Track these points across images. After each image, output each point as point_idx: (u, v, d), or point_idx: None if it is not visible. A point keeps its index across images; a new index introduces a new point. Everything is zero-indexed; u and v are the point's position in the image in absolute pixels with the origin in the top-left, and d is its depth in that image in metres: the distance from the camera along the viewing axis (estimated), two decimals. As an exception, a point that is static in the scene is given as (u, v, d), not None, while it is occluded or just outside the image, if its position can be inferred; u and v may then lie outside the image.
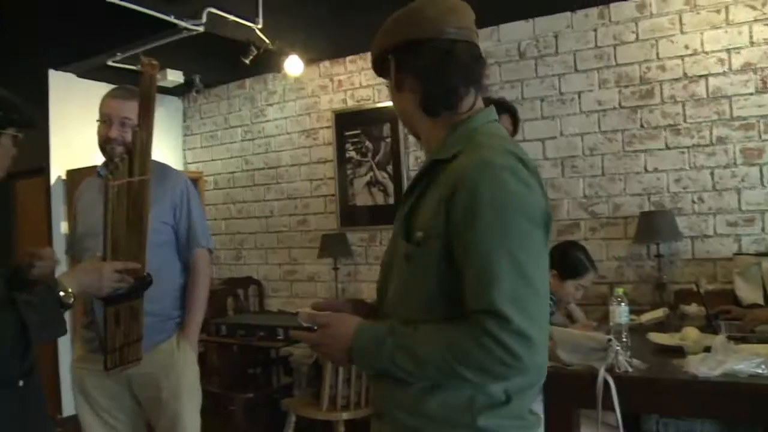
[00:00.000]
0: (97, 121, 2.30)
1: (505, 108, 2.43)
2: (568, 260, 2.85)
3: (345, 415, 3.25)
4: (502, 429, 1.09)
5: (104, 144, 2.28)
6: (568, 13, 3.78)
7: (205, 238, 2.42)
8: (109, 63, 4.41)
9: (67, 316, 1.64)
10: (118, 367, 1.96)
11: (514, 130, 2.53)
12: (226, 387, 3.99)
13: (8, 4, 3.91)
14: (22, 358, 1.47)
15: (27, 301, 1.48)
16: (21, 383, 1.52)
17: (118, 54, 4.25)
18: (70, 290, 1.59)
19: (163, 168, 2.44)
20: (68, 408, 4.33)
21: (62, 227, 4.63)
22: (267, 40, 4.02)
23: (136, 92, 2.24)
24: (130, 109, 2.21)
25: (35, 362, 1.56)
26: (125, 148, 2.14)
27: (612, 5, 3.66)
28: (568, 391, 2.30)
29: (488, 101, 1.27)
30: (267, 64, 4.49)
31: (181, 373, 2.28)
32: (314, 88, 4.85)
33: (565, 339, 2.39)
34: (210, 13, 3.65)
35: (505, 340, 0.97)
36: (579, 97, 3.76)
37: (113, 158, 2.23)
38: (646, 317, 2.82)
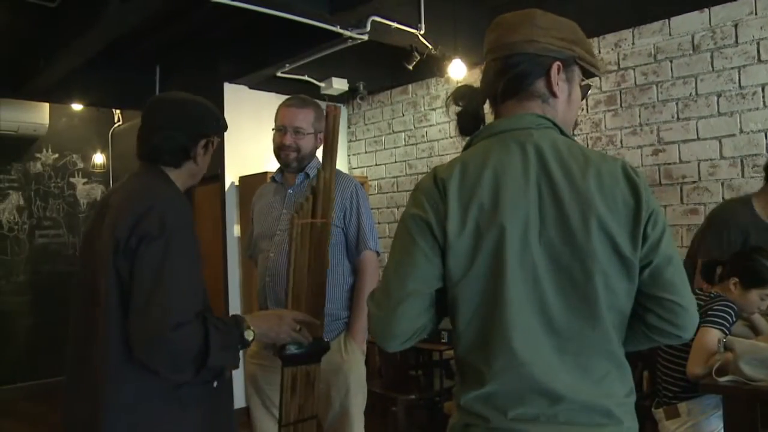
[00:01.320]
0: (273, 129, 2.77)
1: None
2: (752, 268, 2.92)
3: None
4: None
5: (279, 151, 2.74)
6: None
7: (374, 241, 2.73)
8: (278, 74, 5.19)
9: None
10: None
11: None
12: (388, 388, 4.51)
13: (190, 27, 4.81)
14: (195, 372, 1.68)
15: (216, 325, 1.71)
16: (215, 384, 1.81)
17: (287, 65, 5.00)
18: (252, 329, 1.84)
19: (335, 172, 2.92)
20: (239, 401, 5.11)
21: (235, 230, 5.51)
22: (429, 45, 4.54)
23: (309, 101, 2.82)
24: (303, 118, 2.71)
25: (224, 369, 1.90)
26: (298, 154, 2.71)
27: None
28: (750, 408, 2.47)
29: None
30: (429, 69, 5.03)
31: (348, 371, 2.61)
32: (477, 91, 5.30)
33: (748, 352, 2.55)
34: (374, 22, 4.24)
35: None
36: (763, 91, 3.90)
37: (288, 164, 2.73)
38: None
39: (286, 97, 2.85)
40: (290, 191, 2.77)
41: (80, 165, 7.24)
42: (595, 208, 1.34)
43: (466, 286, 1.35)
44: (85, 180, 7.27)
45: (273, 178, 2.89)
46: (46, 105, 6.53)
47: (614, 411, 1.37)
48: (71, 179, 7.14)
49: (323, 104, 5.94)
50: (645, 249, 1.38)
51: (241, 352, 1.86)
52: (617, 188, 1.38)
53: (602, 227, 1.34)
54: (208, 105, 2.05)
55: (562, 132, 1.46)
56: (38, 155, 6.96)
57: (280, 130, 2.73)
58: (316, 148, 2.77)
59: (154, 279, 1.66)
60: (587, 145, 4.64)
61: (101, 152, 7.35)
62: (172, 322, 1.62)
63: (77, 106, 6.69)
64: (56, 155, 7.07)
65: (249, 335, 1.82)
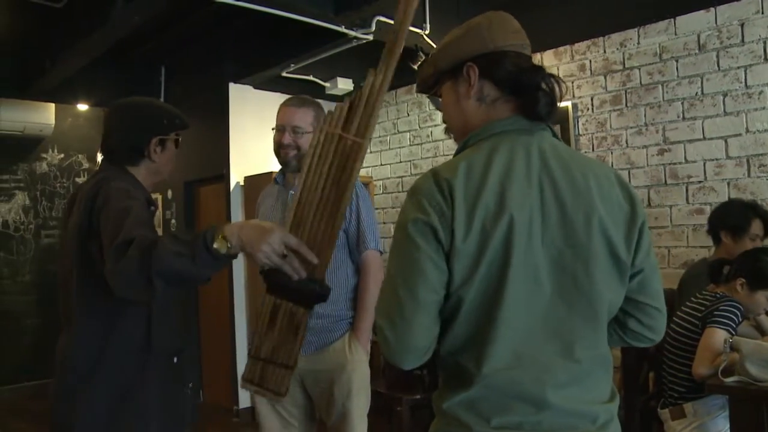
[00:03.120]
0: (273, 129, 2.78)
1: None
2: (759, 269, 2.94)
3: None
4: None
5: (278, 149, 2.74)
6: (758, -2, 3.94)
7: (374, 240, 2.72)
8: (283, 74, 5.20)
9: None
10: (254, 386, 1.97)
11: None
12: (393, 388, 4.51)
13: (195, 27, 4.82)
14: (148, 282, 1.62)
15: (174, 236, 1.71)
16: (175, 360, 2.00)
17: (292, 65, 5.01)
18: (227, 238, 1.64)
19: None
20: (244, 401, 5.13)
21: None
22: (434, 45, 4.54)
23: (308, 100, 2.80)
24: (302, 117, 2.70)
25: (187, 343, 2.02)
26: (297, 153, 2.69)
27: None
28: (756, 409, 2.49)
29: None
30: (434, 68, 5.01)
31: (352, 372, 2.61)
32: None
33: (754, 352, 2.57)
34: (379, 22, 4.25)
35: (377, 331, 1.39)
36: (769, 90, 3.89)
37: (287, 163, 2.73)
38: None
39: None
40: (292, 192, 2.73)
41: (86, 165, 7.25)
42: (597, 209, 1.35)
43: (470, 288, 1.31)
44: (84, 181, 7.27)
45: (275, 180, 2.90)
46: (52, 105, 6.55)
47: (600, 417, 1.38)
48: (77, 179, 7.15)
49: (327, 104, 5.94)
50: (639, 256, 1.41)
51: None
52: (613, 192, 1.40)
53: (602, 229, 1.35)
54: (158, 105, 2.25)
55: (554, 134, 1.46)
56: (44, 155, 6.98)
57: (279, 129, 2.74)
58: None
59: (111, 227, 1.76)
60: (592, 145, 4.63)
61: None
62: (127, 237, 1.68)
63: (83, 107, 6.71)
64: (62, 155, 7.09)
65: (220, 246, 1.63)
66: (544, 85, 1.41)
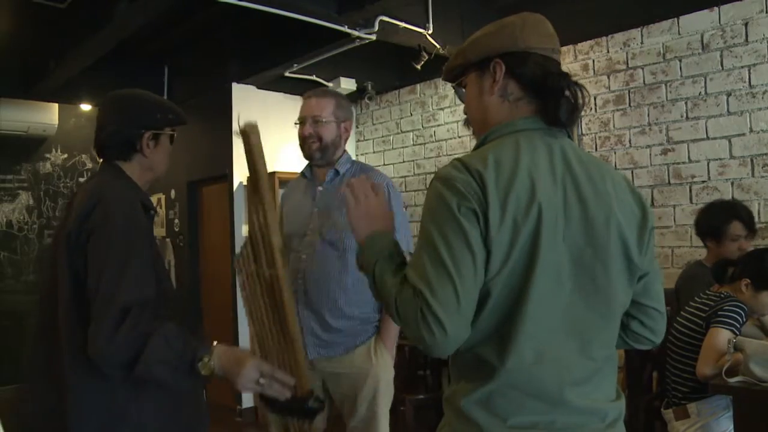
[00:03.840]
0: (295, 123, 2.75)
1: None
2: (764, 269, 2.92)
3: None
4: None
5: (302, 143, 2.71)
6: (762, -3, 3.93)
7: (406, 242, 2.61)
8: (286, 74, 5.20)
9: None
10: None
11: None
12: (397, 388, 4.52)
13: (198, 27, 4.83)
14: (124, 371, 1.67)
15: (167, 336, 1.68)
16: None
17: (295, 65, 5.01)
18: (212, 364, 1.69)
19: (366, 168, 2.82)
20: (247, 401, 5.13)
21: (243, 230, 5.52)
22: (437, 45, 4.54)
23: (329, 92, 2.80)
24: (322, 106, 2.67)
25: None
26: (320, 144, 2.66)
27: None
28: (760, 409, 2.49)
29: None
30: (437, 68, 4.98)
31: (378, 375, 2.61)
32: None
33: (758, 352, 2.58)
34: (382, 21, 4.24)
35: (426, 316, 1.26)
36: (773, 90, 3.89)
37: (312, 156, 2.69)
38: None
39: (295, 96, 2.85)
40: (320, 188, 2.73)
41: (89, 165, 7.26)
42: (615, 211, 1.38)
43: (499, 281, 1.30)
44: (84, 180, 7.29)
45: (303, 174, 2.85)
46: (56, 105, 6.56)
47: (609, 414, 1.39)
48: (80, 179, 7.16)
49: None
50: (646, 260, 1.44)
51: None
52: (626, 195, 1.43)
53: (619, 231, 1.38)
54: (153, 98, 2.11)
55: (568, 135, 1.48)
56: (47, 155, 6.99)
57: (302, 122, 2.71)
58: (341, 137, 2.73)
59: (99, 269, 1.71)
60: (596, 145, 4.63)
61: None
62: (117, 304, 1.65)
63: (86, 107, 6.71)
64: (65, 155, 7.10)
65: (204, 369, 1.68)
66: (567, 92, 1.42)
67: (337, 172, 2.73)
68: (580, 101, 1.43)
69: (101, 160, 2.11)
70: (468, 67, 1.52)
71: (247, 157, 1.74)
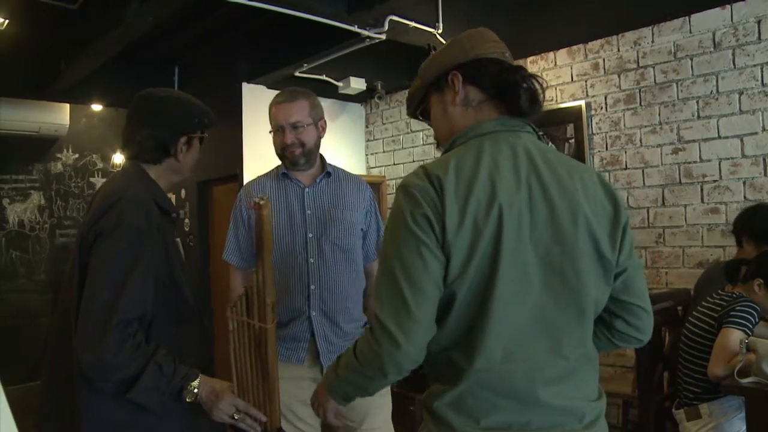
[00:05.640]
0: (270, 132, 2.64)
1: None
2: None
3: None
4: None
5: (282, 152, 2.61)
6: (775, -5, 3.90)
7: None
8: (297, 74, 5.20)
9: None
10: None
11: None
12: (406, 388, 4.52)
13: (209, 27, 4.84)
14: (113, 389, 1.72)
15: (161, 365, 1.73)
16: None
17: (305, 65, 5.01)
18: (197, 392, 1.80)
19: (349, 174, 2.79)
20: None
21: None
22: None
23: (299, 92, 2.68)
24: (299, 110, 2.58)
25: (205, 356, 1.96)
26: (303, 149, 2.59)
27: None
28: None
29: None
30: (446, 67, 5.00)
31: None
32: (495, 90, 5.28)
33: None
34: (391, 21, 4.22)
35: (376, 332, 1.36)
36: (786, 88, 3.86)
37: (297, 163, 2.60)
38: None
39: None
40: (307, 190, 2.65)
41: (100, 165, 7.30)
42: (583, 208, 1.40)
43: (463, 282, 1.33)
44: (105, 180, 7.31)
45: (282, 175, 2.69)
46: (67, 106, 6.60)
47: (587, 415, 1.40)
48: (91, 179, 7.20)
49: (341, 103, 5.94)
50: (621, 256, 1.45)
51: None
52: (597, 191, 1.45)
53: (588, 227, 1.39)
54: (190, 101, 2.07)
55: (539, 137, 1.51)
56: (59, 155, 7.03)
57: (277, 130, 2.61)
58: (320, 137, 2.67)
59: (97, 278, 1.71)
60: (606, 144, 4.61)
61: (121, 152, 7.39)
62: (106, 322, 1.65)
63: (97, 107, 6.75)
64: (76, 155, 7.14)
65: (189, 396, 1.79)
66: (524, 84, 1.47)
67: (328, 174, 2.70)
68: (539, 90, 1.48)
69: (126, 158, 2.05)
70: (428, 89, 1.59)
71: (257, 225, 1.93)
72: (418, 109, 1.65)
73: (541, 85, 1.49)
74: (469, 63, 1.50)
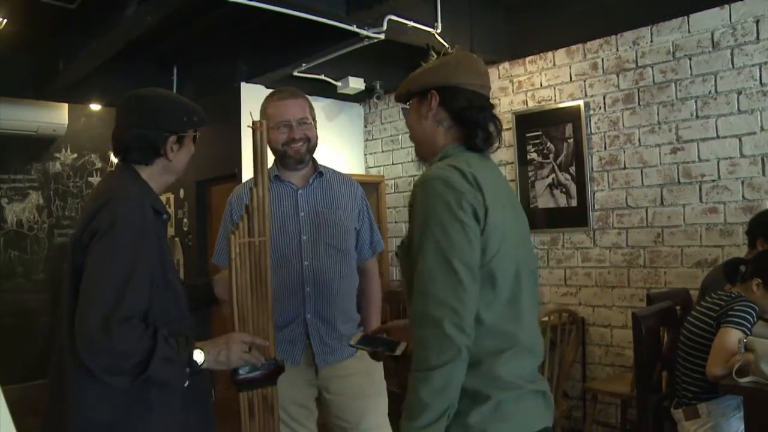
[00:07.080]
0: (271, 128, 2.54)
1: None
2: None
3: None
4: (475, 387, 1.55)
5: (287, 147, 2.58)
6: (773, -5, 3.90)
7: (380, 242, 2.79)
8: (295, 73, 5.20)
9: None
10: None
11: None
12: (404, 387, 4.51)
13: (207, 27, 4.84)
14: (132, 379, 1.70)
15: (166, 338, 1.74)
16: (186, 384, 1.83)
17: (304, 64, 5.01)
18: (204, 352, 1.84)
19: (339, 174, 2.79)
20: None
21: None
22: (446, 44, 4.53)
23: (297, 92, 2.70)
24: (303, 107, 2.62)
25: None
26: (308, 145, 2.61)
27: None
28: None
29: None
30: (445, 67, 5.00)
31: (376, 371, 2.66)
32: (494, 90, 5.33)
33: None
34: (390, 21, 4.23)
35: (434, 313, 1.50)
36: (784, 88, 3.86)
37: (302, 159, 2.60)
38: None
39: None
40: (301, 192, 2.64)
41: (98, 165, 7.29)
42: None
43: (502, 257, 1.56)
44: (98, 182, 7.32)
45: (277, 177, 2.65)
46: (65, 105, 6.59)
47: None
48: (90, 179, 7.19)
49: (339, 103, 5.94)
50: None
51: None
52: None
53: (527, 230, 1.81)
54: (177, 100, 2.05)
55: None
56: (57, 155, 7.03)
57: (285, 125, 2.58)
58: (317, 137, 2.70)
59: (97, 275, 1.71)
60: (605, 144, 4.61)
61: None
62: (111, 318, 1.64)
63: (96, 107, 6.74)
64: (75, 155, 7.13)
65: (199, 357, 1.82)
66: (483, 123, 1.70)
67: (320, 174, 2.69)
68: (494, 133, 1.72)
69: (118, 160, 2.04)
70: (411, 95, 1.79)
71: (254, 145, 2.09)
72: (405, 102, 1.83)
73: (497, 126, 1.73)
74: (448, 88, 1.69)
